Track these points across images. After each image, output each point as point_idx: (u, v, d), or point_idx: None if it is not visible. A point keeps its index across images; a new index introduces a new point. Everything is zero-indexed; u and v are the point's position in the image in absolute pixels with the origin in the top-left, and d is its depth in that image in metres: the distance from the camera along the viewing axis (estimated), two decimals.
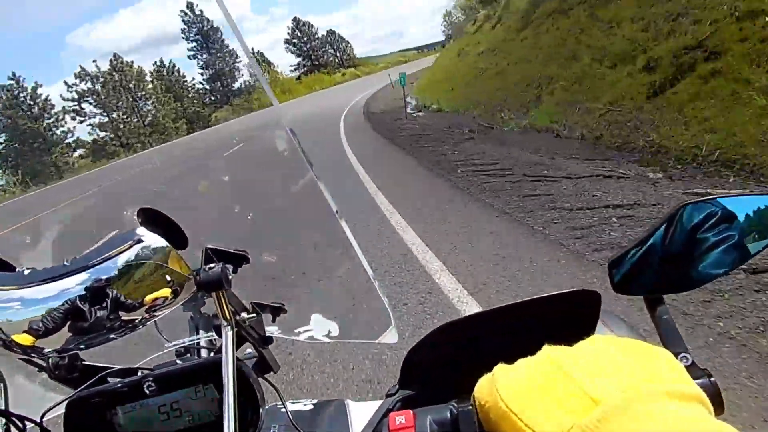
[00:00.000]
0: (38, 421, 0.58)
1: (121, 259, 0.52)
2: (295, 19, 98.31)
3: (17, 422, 0.57)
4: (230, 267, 0.61)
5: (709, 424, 0.36)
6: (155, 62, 67.64)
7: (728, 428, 0.35)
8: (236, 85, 75.50)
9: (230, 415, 0.54)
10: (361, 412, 0.73)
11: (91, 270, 0.51)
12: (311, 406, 0.77)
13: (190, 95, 69.68)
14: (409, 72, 21.04)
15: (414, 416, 0.51)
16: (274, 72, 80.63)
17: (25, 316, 0.51)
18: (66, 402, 0.60)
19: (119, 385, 0.61)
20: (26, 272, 0.51)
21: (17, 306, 0.50)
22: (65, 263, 0.51)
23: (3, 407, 0.59)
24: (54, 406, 0.59)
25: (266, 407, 0.68)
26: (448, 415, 0.51)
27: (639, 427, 0.35)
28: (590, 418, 0.36)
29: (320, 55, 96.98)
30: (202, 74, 75.44)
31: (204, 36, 74.03)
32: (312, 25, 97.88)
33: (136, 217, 0.56)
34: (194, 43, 74.13)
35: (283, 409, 0.72)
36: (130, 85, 59.16)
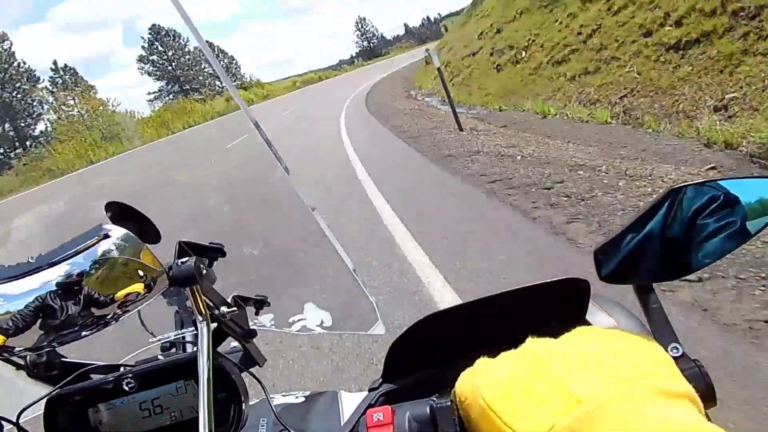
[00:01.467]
0: (14, 420, 0.57)
1: (90, 255, 0.50)
2: (153, 28, 72.69)
3: None
4: (205, 261, 0.60)
5: (696, 424, 0.34)
6: None
7: (716, 429, 0.33)
8: None
9: (205, 410, 0.53)
10: (353, 403, 0.72)
11: (58, 266, 0.50)
12: (302, 399, 0.76)
13: None
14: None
15: (392, 412, 0.50)
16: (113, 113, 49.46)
17: None
18: (45, 400, 0.59)
19: (99, 382, 0.61)
20: None
21: None
22: (30, 260, 0.50)
23: None
24: (31, 405, 0.58)
25: (255, 401, 0.67)
26: (428, 410, 0.49)
27: (624, 429, 0.33)
28: (572, 417, 0.35)
29: (191, 76, 72.00)
30: None
31: None
32: (180, 35, 71.81)
33: (104, 212, 0.55)
34: None
35: (274, 403, 0.71)
36: None
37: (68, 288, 0.50)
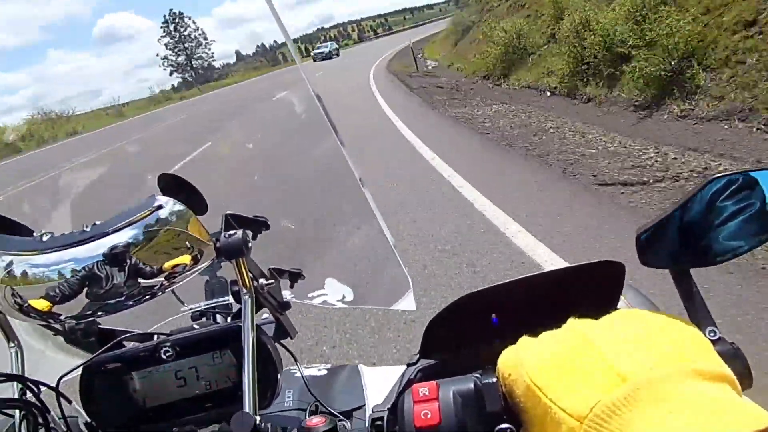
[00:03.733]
0: (53, 386, 0.58)
1: (141, 226, 0.50)
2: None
3: (33, 387, 0.56)
4: (249, 233, 0.60)
5: (736, 405, 0.35)
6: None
7: (755, 408, 0.34)
8: None
9: (250, 381, 0.54)
10: (374, 378, 0.73)
11: (109, 236, 0.50)
12: (325, 372, 0.77)
13: None
14: None
15: (437, 387, 0.51)
16: None
17: (42, 282, 0.50)
18: (82, 367, 0.59)
19: (136, 350, 0.61)
20: (44, 238, 0.50)
21: (34, 271, 0.49)
22: (84, 229, 0.50)
23: (19, 372, 0.59)
24: (70, 372, 0.59)
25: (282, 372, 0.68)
26: (472, 386, 0.50)
27: (666, 407, 0.34)
28: (616, 395, 0.36)
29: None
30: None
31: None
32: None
33: (156, 183, 0.55)
34: None
35: (298, 374, 0.72)
36: None
37: (117, 258, 0.50)
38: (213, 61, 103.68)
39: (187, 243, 0.52)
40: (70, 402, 0.59)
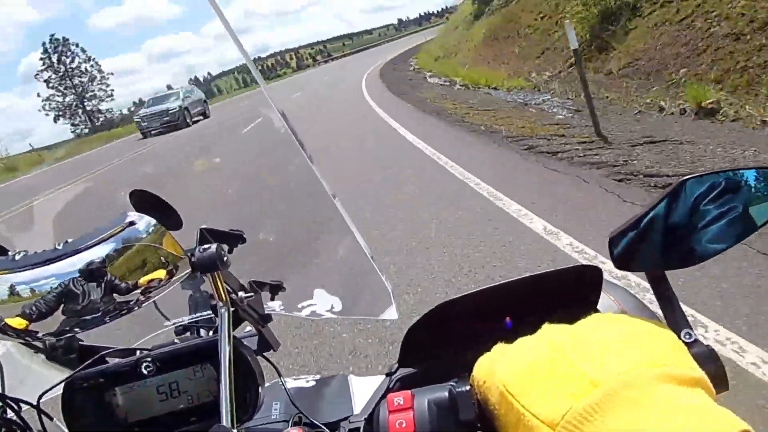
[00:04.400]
0: (34, 403, 0.58)
1: (114, 242, 0.51)
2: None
3: (13, 405, 0.57)
4: (225, 247, 0.61)
5: (709, 410, 0.35)
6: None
7: (728, 414, 0.34)
8: None
9: (226, 394, 0.54)
10: (363, 388, 0.73)
11: (83, 253, 0.50)
12: (313, 383, 0.77)
13: None
14: None
15: (412, 397, 0.51)
16: None
17: (17, 300, 0.50)
18: (63, 384, 0.59)
19: (117, 365, 0.61)
20: (18, 256, 0.51)
21: (9, 290, 0.50)
22: (57, 247, 0.50)
23: None
24: (51, 389, 0.59)
25: (267, 385, 0.68)
26: (447, 395, 0.50)
27: (638, 412, 0.34)
28: (588, 401, 0.36)
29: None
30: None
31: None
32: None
33: (128, 199, 0.55)
34: None
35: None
36: None
37: (92, 275, 0.51)
38: (111, 100, 72.43)
39: (162, 258, 0.53)
40: (51, 419, 0.59)
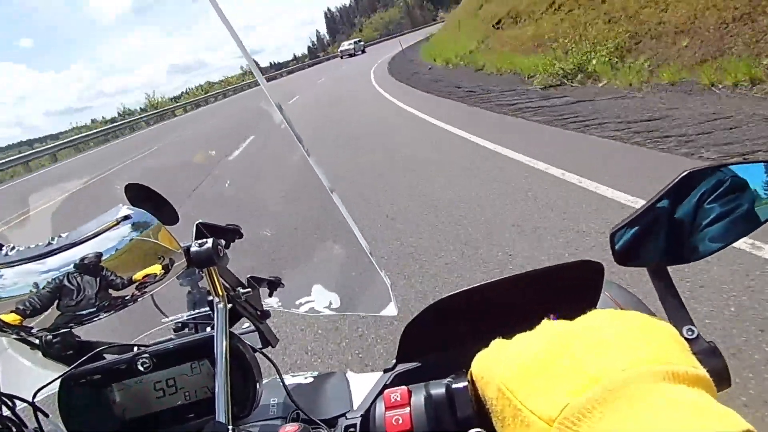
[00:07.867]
0: (30, 400, 0.58)
1: (109, 236, 0.50)
2: None
3: (8, 402, 0.56)
4: (222, 242, 0.60)
5: (710, 409, 0.34)
6: None
7: (729, 413, 0.34)
8: None
9: (223, 390, 0.54)
10: (361, 384, 0.73)
11: (77, 248, 0.49)
12: (311, 380, 0.76)
13: None
14: None
15: (409, 393, 0.50)
16: None
17: (11, 296, 0.50)
18: (59, 380, 0.59)
19: (114, 362, 0.61)
20: (10, 252, 0.50)
21: (2, 286, 0.49)
22: (50, 242, 0.50)
23: None
24: (46, 385, 0.58)
25: (265, 381, 0.67)
26: (444, 391, 0.50)
27: (637, 410, 0.34)
28: (587, 396, 0.35)
29: None
30: None
31: None
32: None
33: (123, 193, 0.55)
34: None
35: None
36: None
37: (86, 269, 0.50)
38: None
39: (157, 253, 0.52)
40: (47, 416, 0.59)
